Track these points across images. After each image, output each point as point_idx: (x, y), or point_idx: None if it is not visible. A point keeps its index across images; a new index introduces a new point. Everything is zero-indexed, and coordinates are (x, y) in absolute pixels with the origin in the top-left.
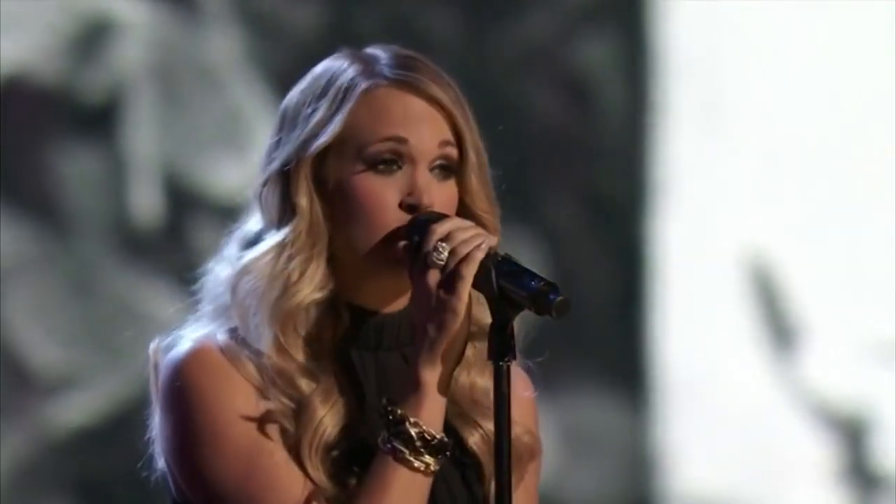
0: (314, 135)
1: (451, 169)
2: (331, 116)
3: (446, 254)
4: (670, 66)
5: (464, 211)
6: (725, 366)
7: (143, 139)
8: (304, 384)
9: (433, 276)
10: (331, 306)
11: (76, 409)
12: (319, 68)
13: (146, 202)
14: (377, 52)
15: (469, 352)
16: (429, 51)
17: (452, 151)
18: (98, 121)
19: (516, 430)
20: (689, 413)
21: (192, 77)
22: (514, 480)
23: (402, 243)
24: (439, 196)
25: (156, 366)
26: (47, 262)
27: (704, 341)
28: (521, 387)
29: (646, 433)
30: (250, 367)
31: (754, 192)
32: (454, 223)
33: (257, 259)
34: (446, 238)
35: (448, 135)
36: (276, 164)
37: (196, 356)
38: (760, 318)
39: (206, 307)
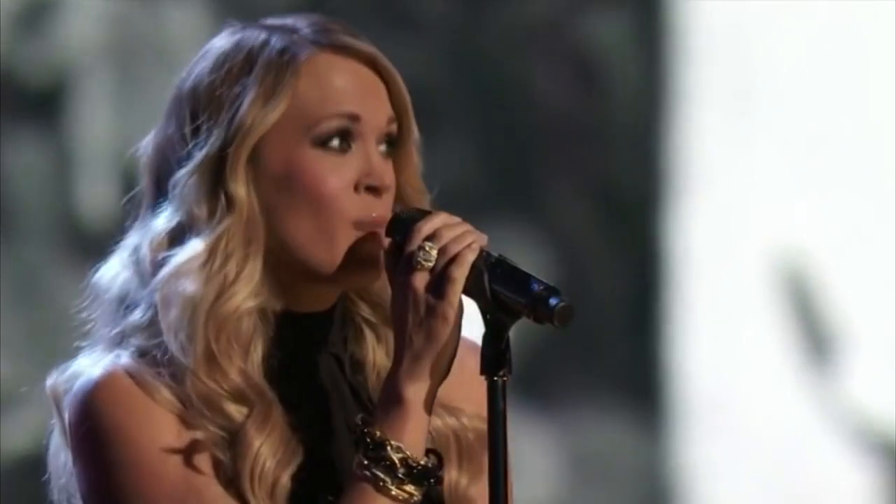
0: (254, 115)
1: (392, 145)
2: (271, 92)
3: (434, 254)
4: (693, 45)
5: (398, 191)
6: (755, 381)
7: (95, 127)
8: (235, 410)
9: (419, 280)
10: (261, 314)
11: (22, 431)
12: (226, 45)
13: (98, 198)
14: (290, 20)
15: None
16: (419, 26)
17: (395, 127)
18: (43, 106)
19: (462, 416)
20: (713, 435)
21: (150, 57)
22: (468, 477)
23: (384, 239)
24: (392, 177)
25: (58, 404)
26: None
27: (731, 354)
28: (470, 358)
29: (664, 457)
30: (167, 394)
31: (788, 186)
32: (441, 219)
33: (190, 260)
34: (433, 236)
35: (390, 108)
36: (205, 152)
37: (105, 386)
38: (795, 328)
39: (104, 330)
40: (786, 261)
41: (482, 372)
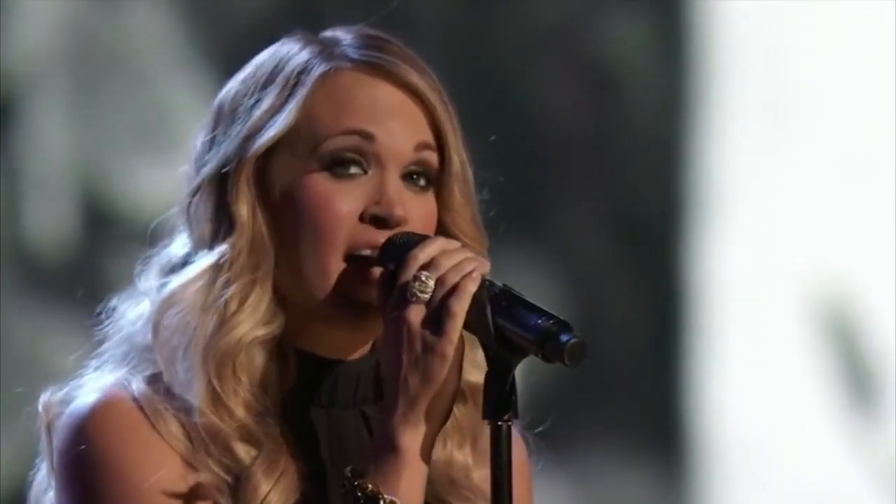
0: (259, 129)
1: (428, 178)
2: (280, 106)
3: (431, 284)
4: (720, 52)
5: (442, 234)
6: (790, 426)
7: (49, 143)
8: (243, 451)
9: (415, 314)
10: (276, 349)
11: None
12: (264, 55)
13: (51, 222)
14: (337, 33)
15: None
16: (421, 33)
17: (431, 157)
18: None
19: None
20: (745, 485)
21: (111, 66)
22: None
23: (376, 270)
24: (415, 210)
25: (49, 425)
26: None
27: (764, 395)
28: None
29: None
30: (174, 427)
31: (827, 207)
32: (438, 245)
33: (186, 286)
34: (430, 265)
35: (427, 135)
36: (210, 168)
37: (105, 411)
38: (835, 366)
39: (113, 351)
40: (825, 291)
41: (484, 416)
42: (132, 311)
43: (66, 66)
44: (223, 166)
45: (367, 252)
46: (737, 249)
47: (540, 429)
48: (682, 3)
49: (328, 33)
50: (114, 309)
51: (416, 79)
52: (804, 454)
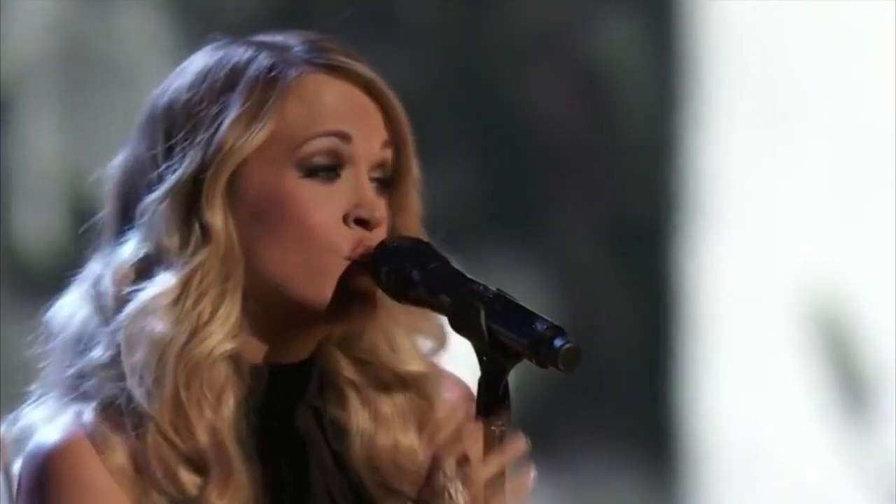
0: (236, 137)
1: (386, 180)
2: (256, 112)
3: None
4: (715, 55)
5: (393, 235)
6: (784, 432)
7: (39, 146)
8: (189, 480)
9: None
10: (234, 363)
11: None
12: (207, 60)
13: (41, 228)
14: (282, 37)
15: (387, 407)
16: (409, 36)
17: (390, 154)
18: None
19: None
20: (737, 491)
21: (101, 68)
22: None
23: (360, 278)
24: (385, 211)
25: (6, 460)
26: None
27: (757, 402)
28: (448, 389)
29: None
30: (125, 461)
31: (823, 212)
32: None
33: (160, 296)
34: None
35: (386, 133)
36: (178, 176)
37: (62, 457)
38: (829, 372)
39: (59, 374)
40: (820, 294)
41: (477, 421)
42: (73, 322)
43: (56, 69)
44: (196, 174)
45: (360, 258)
46: (731, 251)
47: (510, 422)
48: (675, 4)
49: (266, 38)
50: (48, 321)
51: (376, 79)
52: (798, 458)
